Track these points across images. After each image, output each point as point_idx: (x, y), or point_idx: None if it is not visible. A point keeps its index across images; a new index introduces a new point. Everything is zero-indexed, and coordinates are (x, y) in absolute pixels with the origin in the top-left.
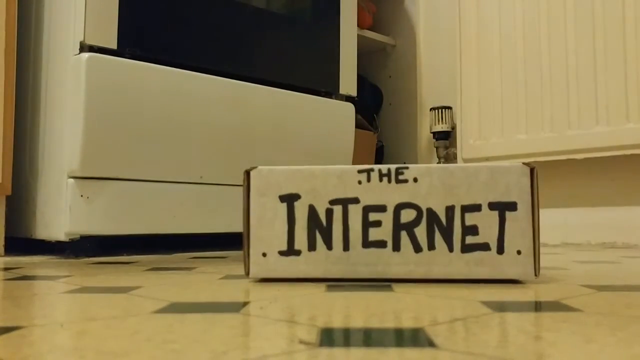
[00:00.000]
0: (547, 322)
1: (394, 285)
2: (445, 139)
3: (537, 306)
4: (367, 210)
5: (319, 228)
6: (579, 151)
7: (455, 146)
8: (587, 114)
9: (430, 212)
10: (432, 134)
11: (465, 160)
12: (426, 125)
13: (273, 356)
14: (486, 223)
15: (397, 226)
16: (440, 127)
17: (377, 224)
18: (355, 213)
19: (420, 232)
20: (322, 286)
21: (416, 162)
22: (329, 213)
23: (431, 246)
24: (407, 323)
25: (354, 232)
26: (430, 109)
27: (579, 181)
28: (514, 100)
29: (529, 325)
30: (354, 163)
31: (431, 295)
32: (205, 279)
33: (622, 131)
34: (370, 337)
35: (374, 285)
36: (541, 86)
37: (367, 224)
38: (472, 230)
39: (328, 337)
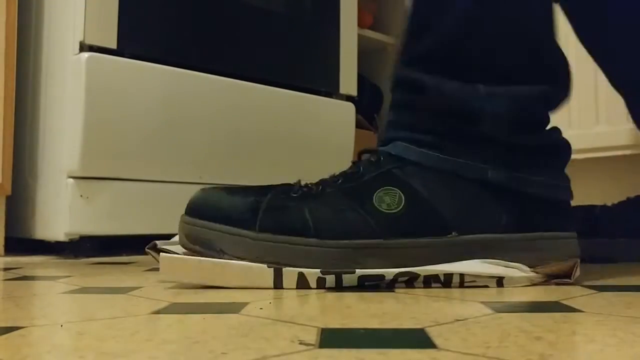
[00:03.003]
0: (547, 323)
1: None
2: None
3: (538, 306)
4: (363, 279)
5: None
6: (579, 151)
7: None
8: (588, 113)
9: (428, 276)
10: None
11: None
12: None
13: (273, 357)
14: (485, 282)
15: (394, 281)
16: None
17: (375, 285)
18: (350, 281)
19: (418, 283)
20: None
21: None
22: (321, 281)
23: (427, 287)
24: (408, 324)
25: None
26: None
27: (579, 181)
28: None
29: (529, 326)
30: None
31: (431, 296)
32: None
33: (622, 131)
34: (370, 338)
35: (374, 286)
36: None
37: (362, 286)
38: (471, 281)
39: (328, 338)
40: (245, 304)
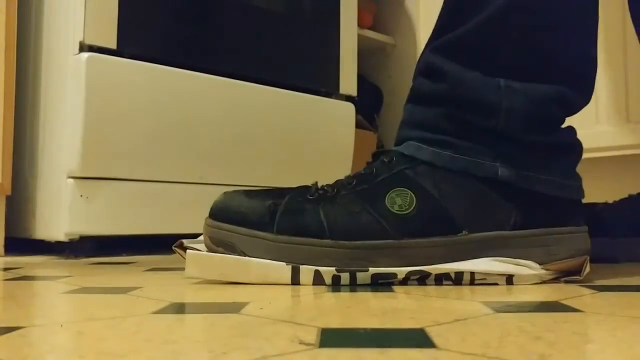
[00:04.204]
0: (547, 323)
1: (394, 286)
2: None
3: (538, 306)
4: (376, 277)
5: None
6: None
7: None
8: (588, 113)
9: (439, 275)
10: None
11: None
12: None
13: (273, 356)
14: (495, 280)
15: (406, 279)
16: None
17: (388, 283)
18: (364, 279)
19: (430, 280)
20: (322, 286)
21: None
22: (336, 279)
23: (439, 284)
24: (408, 323)
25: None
26: None
27: None
28: None
29: (529, 326)
30: (353, 163)
31: (431, 296)
32: (205, 279)
33: (622, 131)
34: (370, 338)
35: (374, 286)
36: None
37: (375, 284)
38: (481, 279)
39: (328, 338)
40: (245, 303)
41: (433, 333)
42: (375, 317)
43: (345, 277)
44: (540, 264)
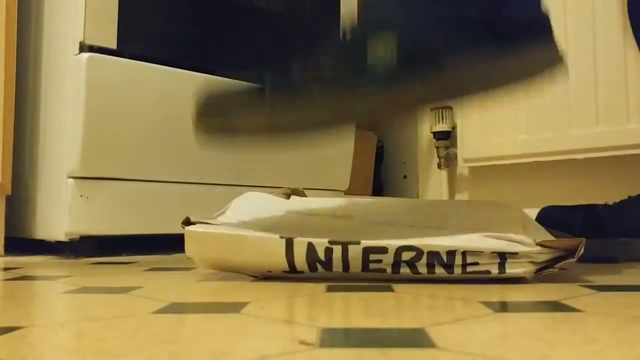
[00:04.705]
0: (547, 323)
1: (394, 286)
2: (446, 139)
3: (538, 306)
4: (367, 251)
5: (319, 261)
6: (579, 151)
7: (455, 146)
8: (588, 113)
9: (431, 253)
10: (432, 134)
11: (466, 160)
12: (426, 125)
13: (273, 356)
14: (488, 259)
15: (398, 262)
16: (440, 127)
17: (378, 261)
18: (355, 252)
19: (421, 264)
20: (322, 286)
21: (416, 162)
22: (329, 251)
23: (431, 272)
24: (408, 323)
25: (353, 264)
26: (431, 109)
27: (580, 181)
28: (514, 99)
29: (529, 326)
30: (354, 163)
31: (431, 296)
32: (205, 278)
33: (623, 131)
34: (370, 337)
35: (374, 285)
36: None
37: (367, 261)
38: (474, 264)
39: (328, 337)
40: (246, 303)
41: (433, 333)
42: (375, 316)
43: (337, 250)
44: (534, 241)
